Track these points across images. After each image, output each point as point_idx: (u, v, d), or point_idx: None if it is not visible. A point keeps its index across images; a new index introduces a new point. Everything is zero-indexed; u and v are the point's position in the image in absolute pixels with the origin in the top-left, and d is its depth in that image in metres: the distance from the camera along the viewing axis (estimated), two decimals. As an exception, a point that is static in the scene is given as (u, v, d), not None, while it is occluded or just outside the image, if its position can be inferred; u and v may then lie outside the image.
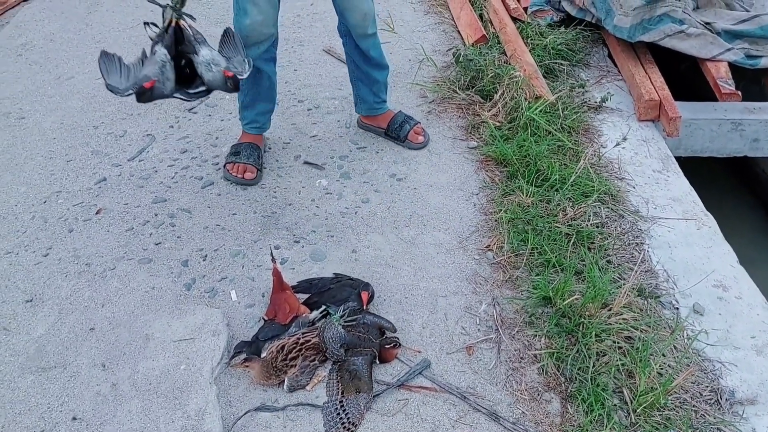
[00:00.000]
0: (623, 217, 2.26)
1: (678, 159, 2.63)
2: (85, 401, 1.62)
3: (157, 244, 2.10)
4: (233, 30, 2.01)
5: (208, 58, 1.83)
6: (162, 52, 1.79)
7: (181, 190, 2.33)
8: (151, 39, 1.84)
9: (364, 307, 1.82)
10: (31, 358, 1.73)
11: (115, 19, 3.56)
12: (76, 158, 2.49)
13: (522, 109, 2.59)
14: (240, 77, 1.86)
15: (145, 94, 1.78)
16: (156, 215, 2.21)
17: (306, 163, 2.28)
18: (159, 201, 2.27)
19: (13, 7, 4.04)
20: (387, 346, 1.71)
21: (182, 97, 1.91)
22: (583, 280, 1.96)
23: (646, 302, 1.90)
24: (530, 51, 3.02)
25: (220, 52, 1.90)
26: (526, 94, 2.67)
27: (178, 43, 1.83)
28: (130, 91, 1.78)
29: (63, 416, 1.58)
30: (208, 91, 1.92)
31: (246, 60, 1.89)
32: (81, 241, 2.12)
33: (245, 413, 1.60)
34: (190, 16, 1.85)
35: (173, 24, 1.81)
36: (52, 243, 2.11)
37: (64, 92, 2.90)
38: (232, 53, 1.93)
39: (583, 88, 2.91)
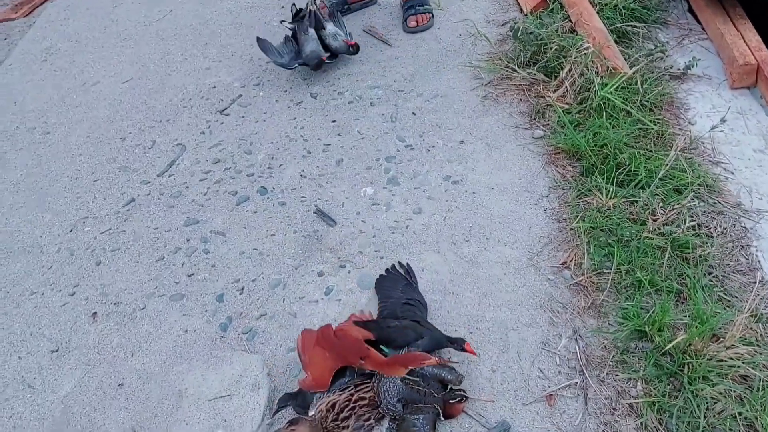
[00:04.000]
0: (723, 214, 1.90)
1: (783, 133, 2.22)
2: (114, 476, 1.44)
3: (189, 276, 1.90)
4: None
5: (332, 32, 2.56)
6: (312, 31, 2.52)
7: (214, 208, 2.11)
8: (289, 29, 2.60)
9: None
10: (56, 423, 1.57)
11: (141, 12, 3.34)
12: (103, 177, 2.30)
13: (594, 87, 2.23)
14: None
15: (321, 65, 2.55)
16: (188, 240, 2.01)
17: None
18: (191, 223, 2.06)
19: (41, 4, 3.89)
20: (452, 401, 1.45)
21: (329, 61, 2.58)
22: (683, 302, 1.64)
23: (763, 328, 1.57)
24: (598, 13, 2.62)
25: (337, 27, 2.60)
26: (597, 68, 2.31)
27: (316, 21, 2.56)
28: (295, 65, 2.55)
29: (91, 496, 1.42)
30: (335, 56, 2.60)
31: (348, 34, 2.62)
32: (109, 275, 1.93)
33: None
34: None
35: (312, 10, 2.54)
36: (79, 279, 1.93)
37: (90, 100, 2.71)
38: (342, 28, 2.64)
39: (664, 53, 2.51)
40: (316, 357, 1.50)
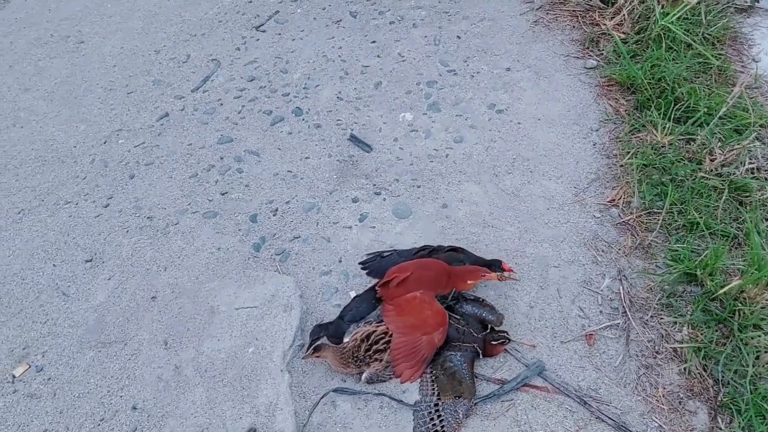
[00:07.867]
0: (785, 158, 1.79)
1: None
2: (146, 386, 1.45)
3: (223, 194, 1.86)
4: None
5: None
6: None
7: (248, 127, 2.05)
8: None
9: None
10: (90, 330, 1.57)
11: None
12: (137, 89, 2.24)
13: (654, 15, 2.08)
14: None
15: None
16: (222, 159, 1.96)
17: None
18: (225, 141, 2.01)
19: None
20: (494, 342, 1.41)
21: None
22: (737, 247, 1.56)
23: (821, 279, 1.48)
24: (664, -63, 2.42)
25: None
26: (660, -5, 2.15)
27: None
28: None
29: (123, 403, 1.43)
30: None
31: None
32: (143, 189, 1.91)
33: (323, 396, 1.38)
34: None
35: None
36: (113, 191, 1.91)
37: (125, 10, 2.63)
38: None
39: (733, -17, 2.32)
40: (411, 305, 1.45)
